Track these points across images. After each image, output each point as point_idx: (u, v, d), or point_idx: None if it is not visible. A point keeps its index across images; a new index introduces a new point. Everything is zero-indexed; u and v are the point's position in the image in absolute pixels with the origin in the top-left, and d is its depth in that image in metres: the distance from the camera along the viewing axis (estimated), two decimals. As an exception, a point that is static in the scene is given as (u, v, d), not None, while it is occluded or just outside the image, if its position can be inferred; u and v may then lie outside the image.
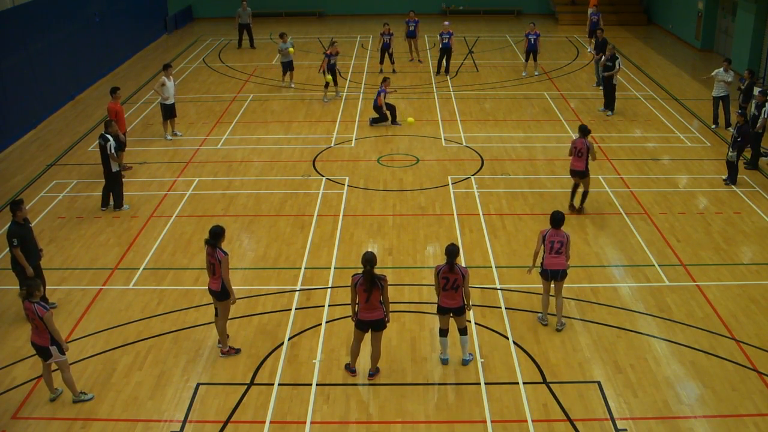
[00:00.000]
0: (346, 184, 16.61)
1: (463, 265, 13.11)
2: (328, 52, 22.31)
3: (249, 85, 24.60)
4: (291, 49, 23.44)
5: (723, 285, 12.64)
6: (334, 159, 18.16)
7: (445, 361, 10.58)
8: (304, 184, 16.69)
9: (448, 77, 25.04)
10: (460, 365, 10.57)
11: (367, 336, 10.33)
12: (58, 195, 16.39)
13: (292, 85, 24.08)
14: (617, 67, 20.62)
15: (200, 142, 19.44)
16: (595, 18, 27.41)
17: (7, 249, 12.21)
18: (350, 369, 10.51)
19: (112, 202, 15.57)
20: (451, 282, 10.05)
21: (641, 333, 11.34)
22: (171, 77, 18.97)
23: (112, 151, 15.09)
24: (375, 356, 10.38)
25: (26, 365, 10.75)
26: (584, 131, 14.76)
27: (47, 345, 9.64)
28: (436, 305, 10.40)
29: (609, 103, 21.22)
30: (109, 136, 15.11)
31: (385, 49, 25.32)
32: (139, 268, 13.34)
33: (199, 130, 20.30)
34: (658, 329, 11.42)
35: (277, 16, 35.70)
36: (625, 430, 9.43)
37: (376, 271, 9.90)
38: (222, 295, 10.52)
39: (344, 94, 23.27)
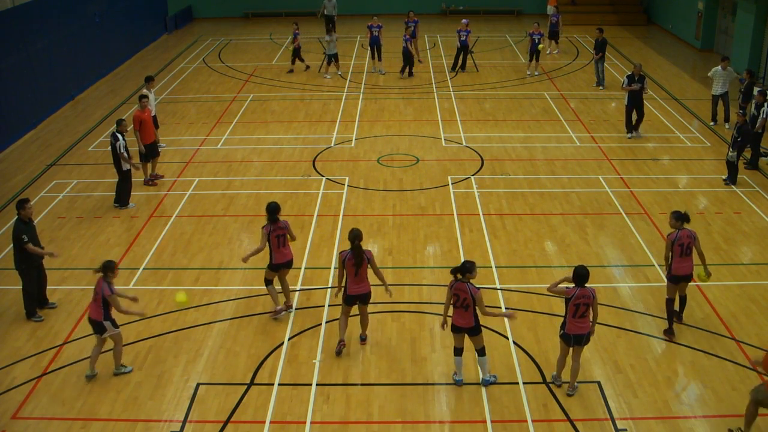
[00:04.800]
0: (346, 184, 16.61)
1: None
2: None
3: (249, 85, 24.61)
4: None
5: (723, 285, 12.64)
6: (334, 159, 18.16)
7: (459, 383, 10.23)
8: (304, 184, 16.69)
9: (449, 77, 25.05)
10: (459, 384, 10.25)
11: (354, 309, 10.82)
12: (58, 195, 16.39)
13: (339, 73, 25.47)
14: (645, 86, 19.01)
15: (200, 142, 19.44)
16: (555, 19, 27.43)
17: (8, 248, 12.23)
18: (340, 343, 10.83)
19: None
20: (461, 300, 9.76)
21: (641, 333, 11.33)
22: (152, 90, 18.31)
23: (122, 150, 15.11)
24: (364, 323, 11.01)
25: (26, 365, 10.76)
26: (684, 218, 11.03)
27: (101, 320, 10.10)
28: (451, 323, 10.06)
29: (636, 123, 19.27)
30: (119, 135, 15.14)
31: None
32: (139, 268, 13.33)
33: (199, 130, 20.30)
34: (658, 329, 11.41)
35: (277, 16, 35.72)
36: (625, 430, 9.44)
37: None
38: (291, 262, 11.65)
39: (345, 93, 23.31)
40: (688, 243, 10.81)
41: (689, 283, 11.19)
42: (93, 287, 9.94)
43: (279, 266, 11.48)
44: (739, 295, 12.36)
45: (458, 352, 10.17)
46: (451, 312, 9.98)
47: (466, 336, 10.01)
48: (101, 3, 26.15)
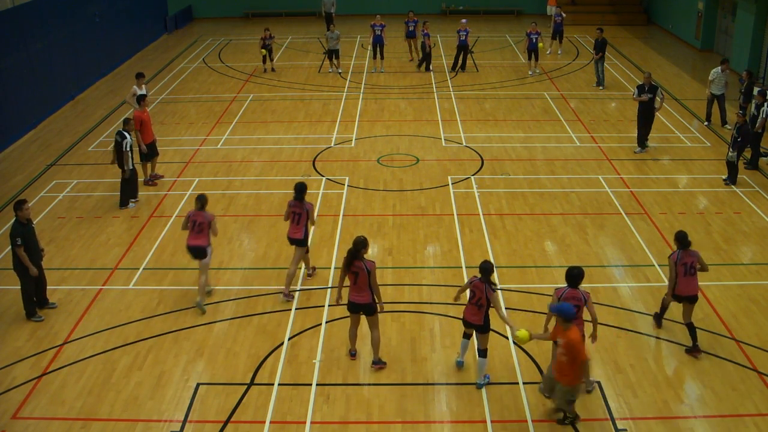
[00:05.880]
0: (346, 184, 16.61)
1: (464, 266, 13.15)
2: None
3: (249, 85, 24.61)
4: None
5: (723, 285, 12.64)
6: (334, 159, 18.16)
7: (459, 364, 10.36)
8: (304, 184, 16.67)
9: (449, 77, 25.05)
10: (459, 366, 10.48)
11: (365, 322, 10.53)
12: (58, 195, 16.39)
13: (339, 71, 25.65)
14: (661, 97, 18.30)
15: (200, 142, 19.44)
16: (559, 19, 27.41)
17: (8, 248, 12.20)
18: (351, 353, 10.73)
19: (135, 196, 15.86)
20: (477, 298, 9.82)
21: (641, 333, 11.33)
22: (144, 86, 18.09)
23: (127, 149, 15.12)
24: (375, 342, 10.47)
25: (26, 365, 10.75)
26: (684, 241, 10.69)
27: (206, 244, 11.69)
28: (463, 317, 10.14)
29: (643, 138, 18.37)
30: (126, 133, 15.14)
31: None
32: (139, 268, 13.33)
33: (199, 130, 20.30)
34: (658, 329, 11.41)
35: (277, 16, 35.72)
36: (625, 430, 9.44)
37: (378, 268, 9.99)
38: (304, 242, 12.16)
39: (345, 93, 23.33)
40: (692, 262, 10.57)
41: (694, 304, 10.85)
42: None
43: (289, 240, 12.21)
44: (739, 295, 12.36)
45: (467, 336, 10.27)
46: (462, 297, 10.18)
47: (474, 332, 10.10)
48: (101, 3, 26.15)
